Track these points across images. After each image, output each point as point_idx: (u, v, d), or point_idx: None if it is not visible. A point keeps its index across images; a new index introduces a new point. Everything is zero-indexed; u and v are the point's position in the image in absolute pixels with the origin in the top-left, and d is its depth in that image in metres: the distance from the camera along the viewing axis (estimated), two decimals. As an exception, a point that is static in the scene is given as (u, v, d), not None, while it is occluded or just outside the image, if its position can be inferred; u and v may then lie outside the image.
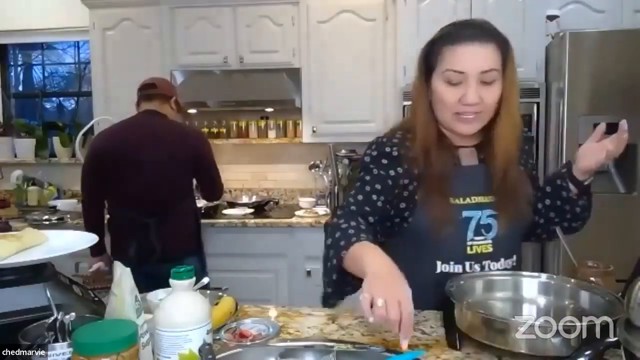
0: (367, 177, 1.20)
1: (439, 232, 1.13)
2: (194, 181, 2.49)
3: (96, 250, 2.37)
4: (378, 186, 1.18)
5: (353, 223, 1.11)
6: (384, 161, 1.20)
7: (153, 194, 2.27)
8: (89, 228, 2.35)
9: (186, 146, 2.34)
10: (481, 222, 1.17)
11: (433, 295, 1.09)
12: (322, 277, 1.16)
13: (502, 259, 1.20)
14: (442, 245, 1.17)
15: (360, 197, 1.18)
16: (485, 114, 1.14)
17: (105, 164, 2.30)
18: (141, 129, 2.32)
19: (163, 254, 2.25)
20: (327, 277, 1.13)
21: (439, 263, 1.18)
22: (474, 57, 1.09)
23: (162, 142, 2.30)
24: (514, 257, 1.23)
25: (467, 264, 1.18)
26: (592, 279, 1.08)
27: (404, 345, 0.87)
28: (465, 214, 1.16)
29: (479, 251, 1.18)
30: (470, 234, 1.17)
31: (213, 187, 2.52)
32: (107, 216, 2.43)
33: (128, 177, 2.28)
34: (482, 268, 1.18)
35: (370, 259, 0.98)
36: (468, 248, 1.17)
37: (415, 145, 1.18)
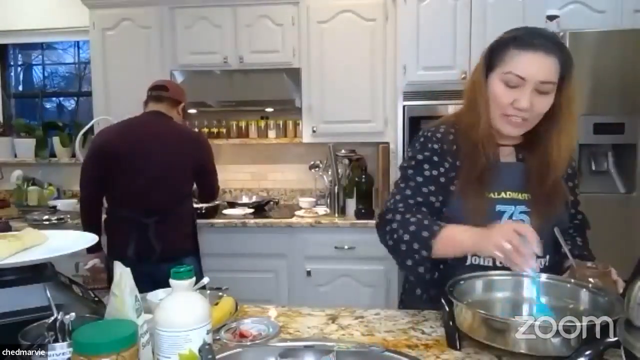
0: (420, 179, 1.23)
1: (473, 223, 1.14)
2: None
3: (93, 247, 2.36)
4: (432, 187, 1.22)
5: (420, 216, 1.17)
6: (435, 159, 1.24)
7: (152, 195, 2.27)
8: (86, 225, 2.36)
9: (189, 149, 2.34)
10: (514, 217, 1.19)
11: None
12: (407, 268, 1.18)
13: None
14: None
15: (419, 199, 1.22)
16: (531, 121, 1.18)
17: (106, 161, 2.29)
18: (145, 129, 2.31)
19: (162, 255, 2.25)
20: (412, 272, 1.17)
21: (469, 255, 1.20)
22: (537, 66, 1.12)
23: (164, 143, 2.30)
24: (547, 257, 1.23)
25: None
26: (590, 280, 1.08)
27: (538, 263, 0.98)
28: (499, 207, 1.19)
29: None
30: None
31: (211, 190, 2.54)
32: (104, 215, 2.42)
33: (128, 176, 2.28)
34: None
35: (466, 236, 1.08)
36: None
37: (479, 134, 1.19)
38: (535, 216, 1.19)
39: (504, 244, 0.97)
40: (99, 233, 2.38)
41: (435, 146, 1.24)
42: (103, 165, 2.30)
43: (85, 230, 2.39)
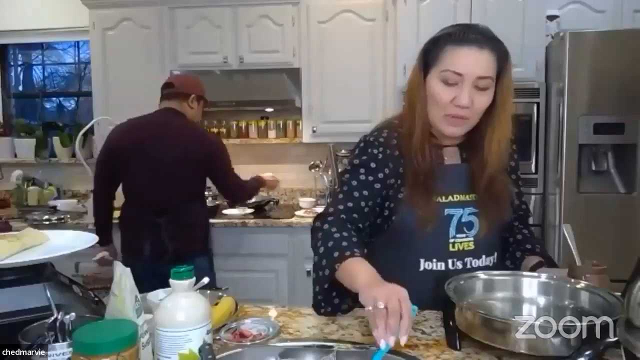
0: (354, 182, 1.20)
1: (423, 230, 1.14)
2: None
3: (104, 240, 2.38)
4: (365, 192, 1.19)
5: (345, 233, 1.12)
6: (372, 165, 1.20)
7: (159, 193, 2.27)
8: (97, 221, 2.40)
9: (199, 147, 2.33)
10: (463, 220, 1.19)
11: (416, 293, 1.08)
12: (312, 284, 1.15)
13: (484, 256, 1.22)
14: (425, 242, 1.18)
15: (350, 204, 1.18)
16: (472, 119, 1.16)
17: (115, 157, 2.31)
18: (156, 127, 2.31)
19: (175, 254, 2.24)
20: (318, 284, 1.12)
21: (422, 260, 1.19)
22: (474, 62, 1.11)
23: (175, 141, 2.29)
24: (495, 255, 1.25)
25: (450, 261, 1.19)
26: (586, 275, 1.09)
27: (403, 341, 0.86)
28: (447, 211, 1.18)
29: (461, 248, 1.20)
30: (452, 231, 1.19)
31: (231, 190, 2.52)
32: (118, 213, 2.43)
33: (139, 174, 2.29)
34: (464, 265, 1.19)
35: (362, 277, 0.99)
36: (450, 245, 1.19)
37: (413, 141, 1.18)
38: (484, 216, 1.19)
39: (378, 303, 0.87)
40: (108, 228, 2.42)
41: (376, 151, 1.20)
42: (112, 162, 2.32)
43: (95, 224, 2.42)
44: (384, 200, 1.21)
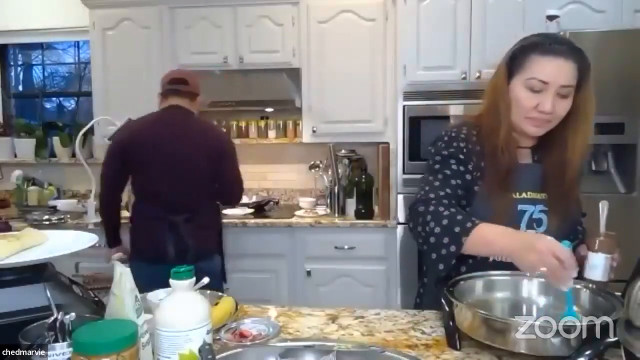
0: (448, 172, 1.25)
1: (496, 223, 1.15)
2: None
3: (113, 241, 2.38)
4: (459, 181, 1.25)
5: (453, 209, 1.17)
6: (461, 156, 1.26)
7: (180, 192, 2.24)
8: (108, 222, 2.39)
9: (212, 143, 2.30)
10: (534, 217, 1.24)
11: None
12: (430, 262, 1.16)
13: None
14: None
15: (448, 191, 1.23)
16: (552, 123, 1.23)
17: (131, 157, 2.26)
18: (171, 125, 2.27)
19: (194, 253, 2.20)
20: (442, 263, 1.14)
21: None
22: (558, 71, 1.18)
23: (190, 139, 2.26)
24: None
25: None
26: (599, 239, 1.17)
27: (574, 274, 0.97)
28: (520, 207, 1.24)
29: None
30: (523, 227, 1.23)
31: (233, 188, 2.44)
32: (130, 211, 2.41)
33: (155, 174, 2.25)
34: None
35: (501, 241, 1.08)
36: None
37: (500, 138, 1.24)
38: (553, 215, 1.25)
39: (541, 269, 0.98)
40: (118, 229, 2.41)
41: (462, 144, 1.27)
42: (125, 161, 2.27)
43: (105, 226, 2.42)
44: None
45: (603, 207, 1.22)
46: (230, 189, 2.44)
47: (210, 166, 2.30)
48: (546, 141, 1.28)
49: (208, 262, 2.25)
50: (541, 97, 1.19)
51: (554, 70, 1.18)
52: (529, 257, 1.00)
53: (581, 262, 1.19)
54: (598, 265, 1.16)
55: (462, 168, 1.26)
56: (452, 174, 1.25)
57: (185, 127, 2.28)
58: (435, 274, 1.18)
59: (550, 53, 1.19)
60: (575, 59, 1.20)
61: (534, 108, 1.20)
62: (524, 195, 1.25)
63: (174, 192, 2.24)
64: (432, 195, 1.21)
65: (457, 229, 1.12)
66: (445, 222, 1.14)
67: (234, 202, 2.60)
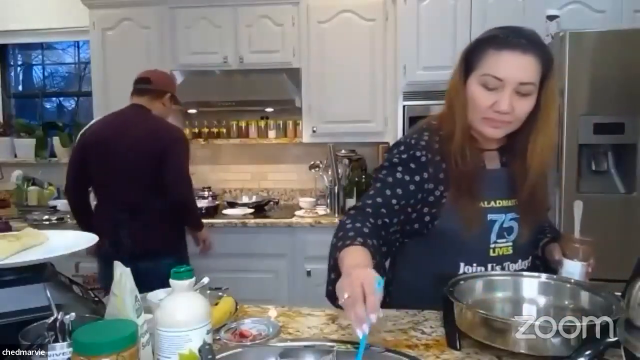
0: (390, 179, 1.18)
1: (467, 234, 1.13)
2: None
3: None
4: (399, 191, 1.17)
5: (358, 224, 1.11)
6: (412, 165, 1.18)
7: (121, 189, 2.29)
8: (75, 215, 2.45)
9: (156, 142, 2.28)
10: (504, 225, 1.19)
11: None
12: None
13: (520, 260, 1.23)
14: (467, 247, 1.18)
15: (379, 200, 1.16)
16: (513, 124, 1.14)
17: (85, 155, 2.34)
18: (120, 124, 2.32)
19: (132, 252, 2.14)
20: (328, 275, 1.13)
21: (462, 264, 1.19)
22: (515, 67, 1.08)
23: (136, 137, 2.28)
24: (530, 258, 1.26)
25: (489, 265, 1.19)
26: (574, 245, 1.15)
27: (373, 319, 0.82)
28: (490, 216, 1.18)
29: (500, 253, 1.20)
30: (493, 237, 1.19)
31: (177, 186, 2.31)
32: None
33: (103, 169, 2.31)
34: (503, 269, 1.20)
35: (347, 262, 0.98)
36: (491, 250, 1.19)
37: (453, 145, 1.16)
38: (524, 221, 1.20)
39: (344, 295, 0.87)
40: (88, 225, 2.35)
41: (418, 154, 1.18)
42: (80, 158, 2.35)
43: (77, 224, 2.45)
44: (422, 204, 1.19)
45: (578, 209, 1.17)
46: (174, 187, 2.30)
47: (152, 163, 2.27)
48: (513, 142, 1.19)
49: (149, 263, 2.06)
50: (498, 95, 1.09)
51: (510, 66, 1.07)
52: (343, 280, 0.91)
53: (555, 266, 1.19)
54: (574, 273, 1.14)
55: (407, 177, 1.17)
56: (393, 183, 1.17)
57: (134, 125, 2.31)
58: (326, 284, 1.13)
59: (507, 47, 1.08)
60: (536, 54, 1.08)
61: (489, 107, 1.10)
62: (492, 204, 1.18)
63: (118, 188, 2.29)
64: (358, 205, 1.19)
65: (339, 244, 1.06)
66: (340, 234, 1.10)
67: (179, 200, 2.37)
